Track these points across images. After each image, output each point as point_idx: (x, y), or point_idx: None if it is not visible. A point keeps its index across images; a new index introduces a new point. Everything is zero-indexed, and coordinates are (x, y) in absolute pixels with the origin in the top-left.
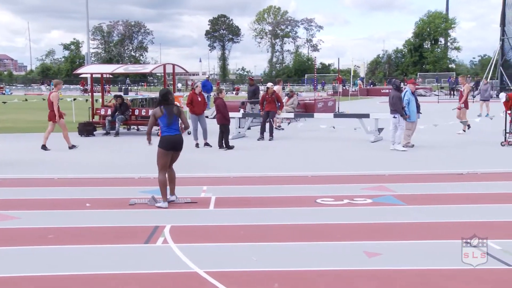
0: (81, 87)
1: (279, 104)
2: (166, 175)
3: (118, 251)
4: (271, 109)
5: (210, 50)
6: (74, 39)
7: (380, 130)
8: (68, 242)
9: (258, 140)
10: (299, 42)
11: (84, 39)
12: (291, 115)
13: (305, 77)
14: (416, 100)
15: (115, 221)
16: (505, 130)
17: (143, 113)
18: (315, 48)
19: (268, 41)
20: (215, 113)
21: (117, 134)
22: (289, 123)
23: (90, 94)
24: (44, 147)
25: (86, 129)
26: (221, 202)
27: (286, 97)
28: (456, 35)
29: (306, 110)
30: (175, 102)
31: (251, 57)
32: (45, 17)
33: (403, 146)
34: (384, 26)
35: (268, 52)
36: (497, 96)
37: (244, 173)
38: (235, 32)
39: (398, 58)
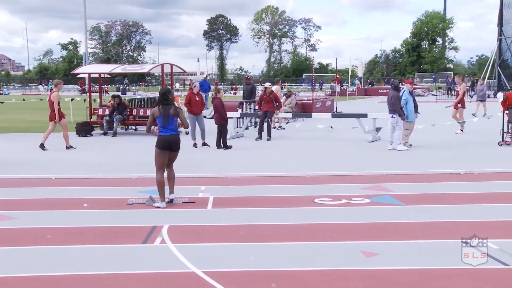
0: (80, 87)
1: (277, 104)
2: (165, 175)
3: (116, 251)
4: (269, 109)
5: (208, 50)
6: (72, 39)
7: (378, 130)
8: (66, 242)
9: (256, 140)
10: (297, 42)
11: (82, 39)
12: (289, 115)
13: (303, 77)
14: (414, 100)
15: (113, 221)
16: (503, 130)
17: (141, 113)
18: (313, 48)
19: (266, 41)
20: (213, 113)
21: (115, 134)
22: (287, 123)
23: (88, 94)
24: (42, 146)
25: (84, 129)
26: (219, 202)
27: (284, 97)
28: (454, 35)
29: (304, 110)
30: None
31: (249, 57)
32: (43, 17)
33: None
34: (382, 26)
35: (266, 52)
36: (495, 96)
37: (242, 173)
38: (233, 32)
39: (396, 58)
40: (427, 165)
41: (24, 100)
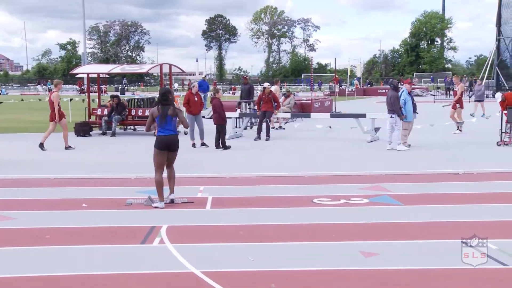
0: (79, 87)
1: (276, 104)
2: (165, 175)
3: (115, 251)
4: (268, 109)
5: (207, 50)
6: (71, 39)
7: (376, 130)
8: (65, 243)
9: (255, 140)
10: (295, 42)
11: (80, 39)
12: (288, 115)
13: (302, 77)
14: (413, 100)
15: (112, 221)
16: (501, 130)
17: (140, 113)
18: (311, 48)
19: (265, 41)
20: (211, 113)
21: (113, 134)
22: (285, 123)
23: (86, 94)
24: (41, 145)
25: (83, 129)
26: (218, 202)
27: (283, 97)
28: (452, 35)
29: (302, 110)
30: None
31: (248, 57)
32: (42, 17)
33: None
34: (380, 26)
35: (265, 52)
36: (493, 96)
37: (241, 173)
38: (231, 32)
39: (395, 58)
40: (426, 165)
41: (22, 100)
